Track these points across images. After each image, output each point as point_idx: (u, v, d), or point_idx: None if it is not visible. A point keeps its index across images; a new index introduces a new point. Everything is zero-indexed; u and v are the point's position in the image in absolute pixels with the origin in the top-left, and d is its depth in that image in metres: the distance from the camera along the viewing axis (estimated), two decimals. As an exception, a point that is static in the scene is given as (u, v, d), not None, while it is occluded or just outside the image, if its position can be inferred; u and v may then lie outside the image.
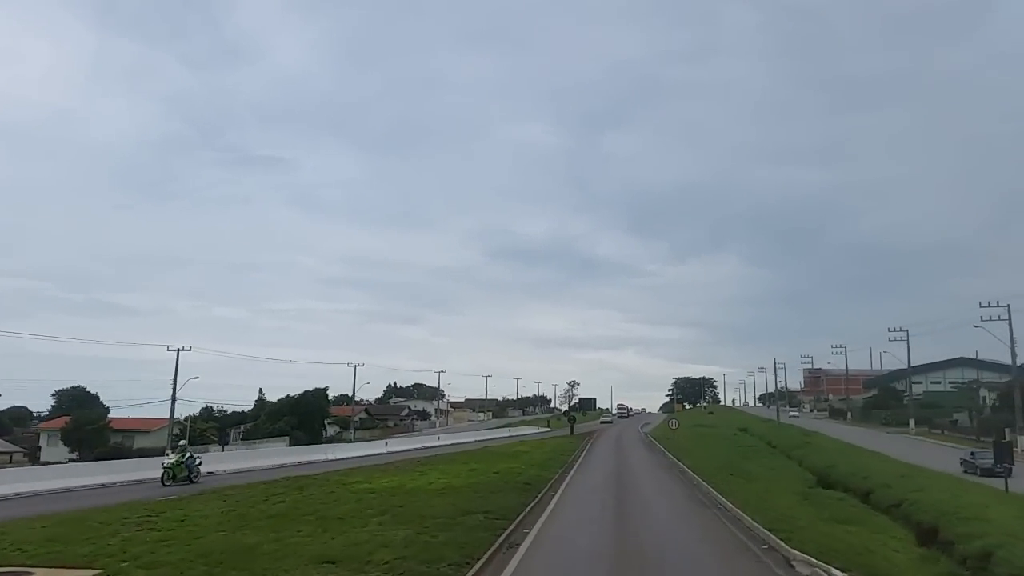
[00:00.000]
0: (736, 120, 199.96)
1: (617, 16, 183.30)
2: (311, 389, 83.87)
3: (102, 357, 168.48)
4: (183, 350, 60.48)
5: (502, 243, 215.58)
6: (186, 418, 74.17)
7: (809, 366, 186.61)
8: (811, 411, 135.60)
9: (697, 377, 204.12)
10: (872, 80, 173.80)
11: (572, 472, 27.83)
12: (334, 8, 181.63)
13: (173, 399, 59.91)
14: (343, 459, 33.82)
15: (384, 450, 40.41)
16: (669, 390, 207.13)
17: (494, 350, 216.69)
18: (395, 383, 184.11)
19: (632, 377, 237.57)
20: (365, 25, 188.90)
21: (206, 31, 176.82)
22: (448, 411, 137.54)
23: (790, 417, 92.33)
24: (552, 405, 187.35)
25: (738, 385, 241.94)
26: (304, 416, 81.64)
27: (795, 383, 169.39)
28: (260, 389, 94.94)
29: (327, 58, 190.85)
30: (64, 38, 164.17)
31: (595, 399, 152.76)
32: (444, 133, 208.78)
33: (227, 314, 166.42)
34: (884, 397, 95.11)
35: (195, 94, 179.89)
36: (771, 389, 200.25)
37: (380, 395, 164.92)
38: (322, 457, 33.76)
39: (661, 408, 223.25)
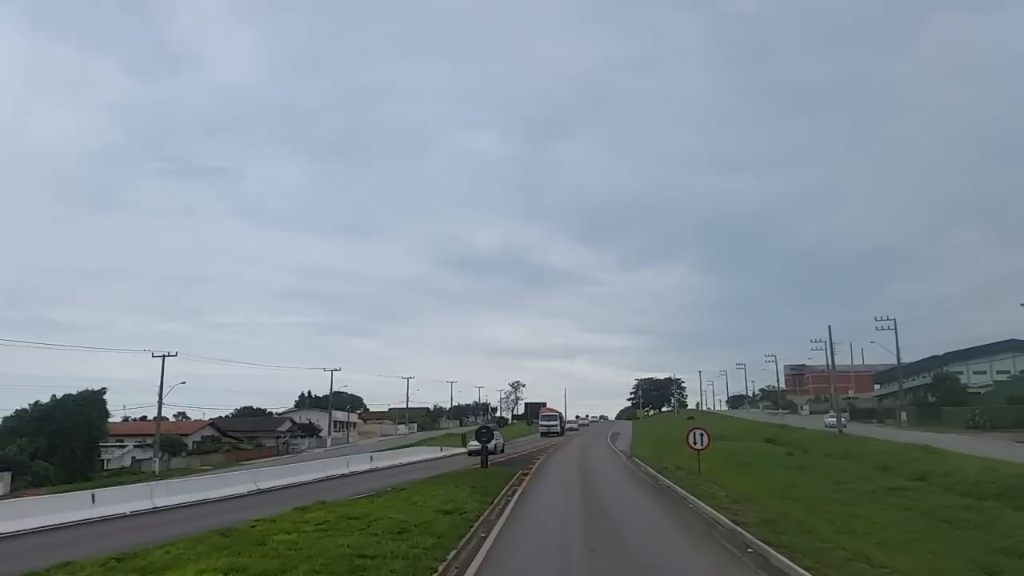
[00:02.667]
0: (683, 129, 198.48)
1: (565, 26, 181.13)
2: (75, 393, 50.14)
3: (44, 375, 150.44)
4: None
5: (454, 253, 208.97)
6: None
7: (800, 360, 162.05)
8: (816, 413, 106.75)
9: (663, 378, 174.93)
10: (812, 90, 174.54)
11: None
12: (279, 16, 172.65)
13: None
14: None
15: None
16: (631, 393, 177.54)
17: (447, 361, 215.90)
18: (309, 392, 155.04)
19: (587, 385, 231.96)
20: (311, 33, 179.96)
21: (147, 38, 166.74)
22: (353, 423, 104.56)
23: (827, 425, 62.40)
24: (499, 414, 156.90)
25: (703, 389, 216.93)
26: (60, 436, 48.11)
27: (759, 383, 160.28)
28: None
29: (273, 67, 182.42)
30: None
31: (544, 404, 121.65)
32: (393, 142, 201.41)
33: (172, 328, 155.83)
34: (949, 390, 66.51)
35: (137, 103, 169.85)
36: (739, 391, 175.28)
37: (291, 406, 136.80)
38: None
39: (619, 415, 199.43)
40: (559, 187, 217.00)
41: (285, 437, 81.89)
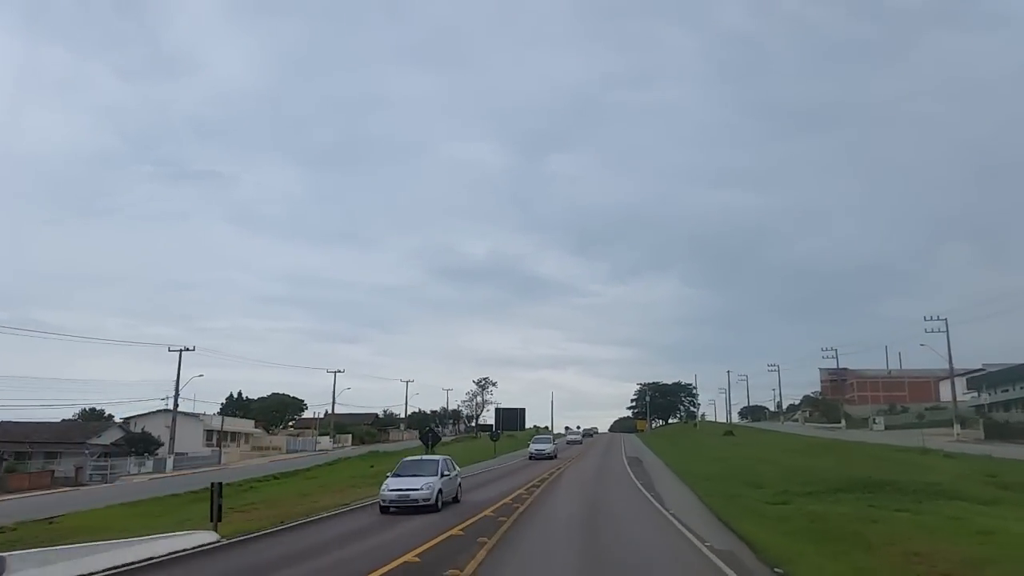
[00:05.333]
0: (676, 144, 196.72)
1: (560, 39, 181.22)
2: None
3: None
4: None
5: (446, 262, 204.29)
6: None
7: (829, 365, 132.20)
8: (895, 428, 75.26)
9: (671, 383, 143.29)
10: (807, 107, 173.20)
11: None
12: (275, 23, 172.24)
13: None
14: None
15: None
16: (632, 400, 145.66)
17: (437, 369, 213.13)
18: (239, 392, 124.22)
19: (576, 396, 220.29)
20: (307, 40, 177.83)
21: (141, 42, 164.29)
22: (246, 434, 72.51)
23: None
24: (474, 423, 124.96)
25: (727, 398, 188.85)
26: None
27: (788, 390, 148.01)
28: None
29: (268, 73, 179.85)
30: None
31: (523, 410, 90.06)
32: (387, 150, 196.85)
33: (160, 332, 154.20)
34: None
35: (130, 107, 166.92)
36: (752, 402, 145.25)
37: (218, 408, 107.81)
38: None
39: (613, 427, 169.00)
40: (552, 199, 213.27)
41: (96, 453, 49.85)
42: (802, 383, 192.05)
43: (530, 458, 46.34)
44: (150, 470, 52.42)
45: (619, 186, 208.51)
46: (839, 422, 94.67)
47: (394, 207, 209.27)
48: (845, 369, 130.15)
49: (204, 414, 65.04)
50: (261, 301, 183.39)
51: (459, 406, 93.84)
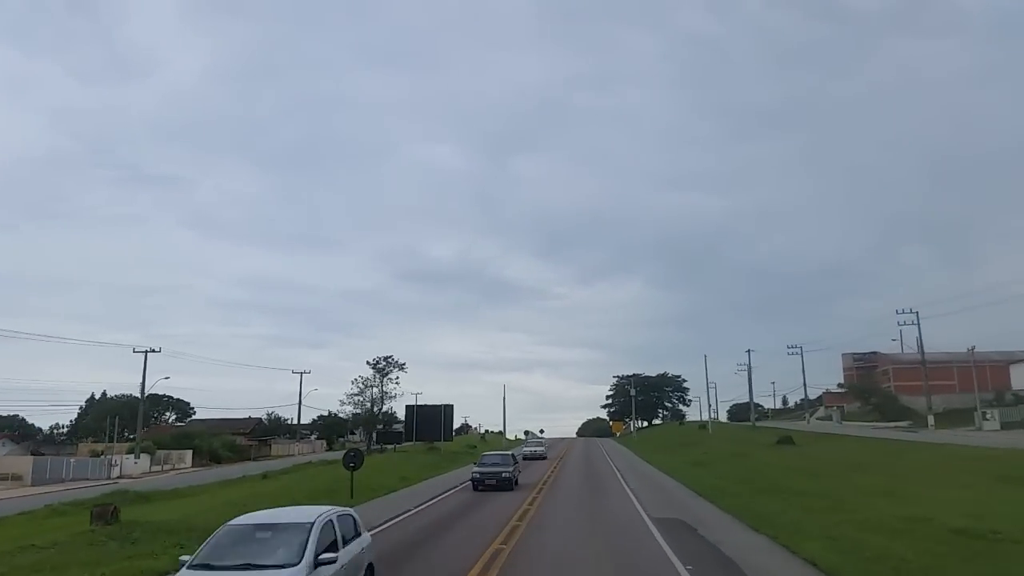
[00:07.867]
0: (640, 146, 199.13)
1: (525, 42, 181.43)
2: None
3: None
4: None
5: (410, 265, 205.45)
6: None
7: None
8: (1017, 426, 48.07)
9: (655, 375, 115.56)
10: (767, 110, 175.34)
11: None
12: (233, 24, 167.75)
13: None
14: None
15: None
16: (608, 395, 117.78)
17: (403, 376, 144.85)
18: (104, 392, 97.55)
19: (543, 399, 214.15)
20: (266, 42, 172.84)
21: (96, 43, 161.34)
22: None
23: None
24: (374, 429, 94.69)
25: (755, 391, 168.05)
26: None
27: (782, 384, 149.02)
28: None
29: (227, 75, 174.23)
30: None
31: (450, 407, 60.48)
32: (350, 153, 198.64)
33: (118, 340, 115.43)
34: None
35: (84, 108, 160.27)
36: (737, 399, 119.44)
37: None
38: None
39: (581, 430, 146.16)
40: (517, 201, 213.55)
41: None
42: (782, 373, 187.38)
43: None
44: None
45: (583, 188, 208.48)
46: (902, 419, 67.98)
47: (357, 210, 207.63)
48: (875, 353, 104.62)
49: None
50: (223, 306, 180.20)
51: (345, 402, 63.27)
